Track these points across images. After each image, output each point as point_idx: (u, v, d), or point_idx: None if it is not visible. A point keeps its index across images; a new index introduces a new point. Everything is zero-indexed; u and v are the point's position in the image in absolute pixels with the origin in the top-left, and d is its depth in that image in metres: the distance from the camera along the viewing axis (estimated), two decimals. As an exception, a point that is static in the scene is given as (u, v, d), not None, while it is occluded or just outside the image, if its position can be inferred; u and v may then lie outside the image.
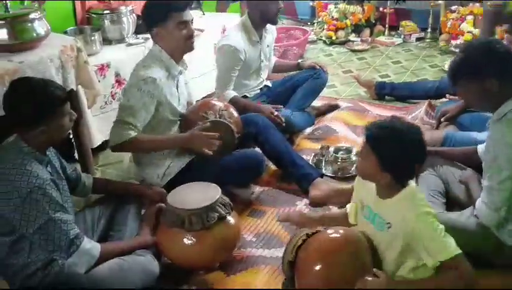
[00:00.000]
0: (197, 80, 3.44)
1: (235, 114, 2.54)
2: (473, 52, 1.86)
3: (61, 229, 1.73)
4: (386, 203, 1.66)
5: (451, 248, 1.55)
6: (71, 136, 2.69)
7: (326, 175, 2.65)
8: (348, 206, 1.92)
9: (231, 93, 2.95)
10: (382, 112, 3.40)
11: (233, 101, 2.84)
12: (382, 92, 3.62)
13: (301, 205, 2.47)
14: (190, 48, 2.42)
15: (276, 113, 2.83)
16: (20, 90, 1.78)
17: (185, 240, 1.95)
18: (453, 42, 4.39)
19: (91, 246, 1.81)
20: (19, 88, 1.79)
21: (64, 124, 1.82)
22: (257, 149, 2.69)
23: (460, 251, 1.55)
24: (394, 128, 1.61)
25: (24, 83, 1.83)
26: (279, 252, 2.11)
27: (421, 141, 1.63)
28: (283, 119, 2.86)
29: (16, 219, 1.69)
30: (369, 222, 1.72)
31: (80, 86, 2.59)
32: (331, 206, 2.42)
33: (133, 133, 2.26)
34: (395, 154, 1.59)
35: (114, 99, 3.04)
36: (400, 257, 1.64)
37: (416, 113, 3.23)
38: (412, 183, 1.67)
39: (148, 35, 2.52)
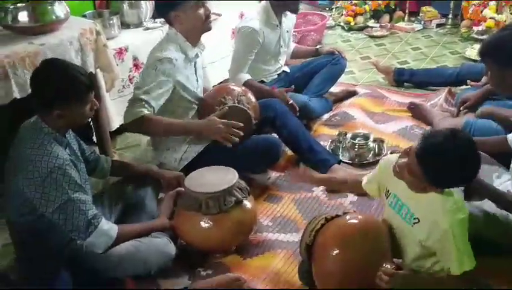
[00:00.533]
0: (214, 64, 3.43)
1: (253, 99, 2.53)
2: (507, 37, 1.77)
3: (79, 209, 1.75)
4: (417, 198, 1.61)
5: (472, 260, 1.54)
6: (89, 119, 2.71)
7: (344, 161, 2.64)
8: (364, 178, 1.89)
9: (245, 76, 2.93)
10: (400, 98, 3.36)
11: (247, 84, 2.83)
12: (401, 78, 3.57)
13: (318, 191, 2.46)
14: (208, 28, 2.41)
15: (291, 101, 2.79)
16: (47, 72, 1.79)
17: (202, 224, 1.96)
18: (475, 29, 4.29)
19: (109, 227, 1.84)
20: (47, 69, 1.80)
21: (85, 112, 1.83)
22: (274, 135, 2.68)
23: (474, 264, 1.54)
24: (445, 146, 1.49)
25: (53, 64, 1.84)
26: (295, 237, 2.12)
27: (473, 160, 1.52)
28: (297, 107, 2.83)
29: (36, 198, 1.72)
30: (394, 212, 1.70)
31: (98, 70, 2.60)
32: (348, 193, 2.41)
33: (145, 111, 2.25)
34: (441, 174, 1.51)
35: (132, 83, 3.04)
36: (422, 252, 1.62)
37: (436, 101, 3.18)
38: None
39: (166, 19, 2.51)
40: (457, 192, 1.63)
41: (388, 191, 1.74)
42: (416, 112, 3.05)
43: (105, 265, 1.82)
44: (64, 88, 1.74)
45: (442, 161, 1.49)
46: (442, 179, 1.53)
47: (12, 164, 1.77)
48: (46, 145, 1.74)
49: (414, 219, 1.61)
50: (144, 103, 2.25)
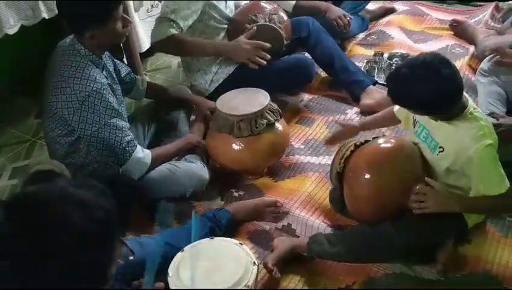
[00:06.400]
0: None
1: (285, 17, 2.42)
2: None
3: (115, 136, 1.76)
4: (441, 126, 1.55)
5: (505, 182, 1.49)
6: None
7: (379, 83, 2.55)
8: (395, 110, 1.84)
9: None
10: (442, 15, 3.17)
11: (299, 4, 2.69)
12: (444, -7, 3.35)
13: (351, 113, 2.41)
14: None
15: (348, 18, 2.63)
16: None
17: (234, 146, 1.96)
18: None
19: (143, 154, 1.84)
20: None
21: (117, 30, 1.75)
22: (307, 55, 2.59)
23: (508, 186, 1.49)
24: (399, 78, 1.47)
25: None
26: (327, 160, 2.10)
27: (433, 75, 1.42)
28: (350, 27, 2.67)
29: (75, 121, 1.73)
30: (421, 141, 1.65)
31: (125, -12, 2.52)
32: (382, 115, 2.35)
33: (173, 31, 2.18)
34: (418, 101, 1.46)
35: (161, 2, 2.96)
36: (451, 179, 1.58)
37: (480, 17, 2.99)
38: (471, 104, 1.53)
39: None
40: (486, 117, 1.56)
41: (415, 120, 1.69)
42: (458, 29, 2.88)
43: (142, 188, 1.86)
44: (88, 6, 1.67)
45: (407, 90, 1.46)
46: (423, 105, 1.48)
47: (50, 85, 1.76)
48: (84, 69, 1.72)
49: (439, 147, 1.57)
50: (171, 22, 2.18)
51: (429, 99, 1.44)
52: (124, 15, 1.78)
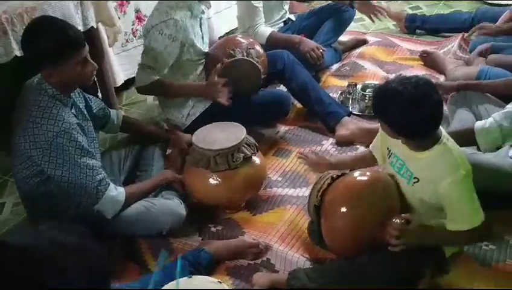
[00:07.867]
0: (219, 14, 3.32)
1: (261, 52, 2.46)
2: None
3: (86, 175, 1.72)
4: (416, 157, 1.56)
5: (479, 216, 1.50)
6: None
7: (353, 113, 2.58)
8: (371, 147, 1.86)
9: (267, 30, 2.80)
10: (412, 46, 3.26)
11: (272, 38, 2.74)
12: (413, 25, 3.45)
13: (327, 145, 2.43)
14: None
15: (321, 51, 2.70)
16: (33, 31, 1.70)
17: (211, 180, 1.95)
18: (491, -31, 4.09)
19: (116, 193, 1.80)
20: (33, 28, 1.72)
21: (76, 72, 1.70)
22: (283, 88, 2.62)
23: (483, 218, 1.50)
24: (388, 91, 1.47)
25: (39, 23, 1.74)
26: (305, 192, 2.10)
27: (425, 100, 1.44)
28: (323, 58, 2.75)
29: (44, 161, 1.69)
30: (395, 171, 1.66)
31: (100, 24, 2.53)
32: (358, 146, 2.37)
33: (155, 77, 2.27)
34: (401, 120, 1.47)
35: (135, 36, 2.98)
36: (427, 209, 1.60)
37: (449, 48, 3.08)
38: (444, 134, 1.55)
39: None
40: (457, 147, 1.56)
41: (390, 150, 1.70)
42: (428, 60, 2.96)
43: (117, 226, 1.82)
44: (44, 46, 1.65)
45: (394, 106, 1.46)
46: (404, 125, 1.48)
47: (18, 124, 1.73)
48: (51, 108, 1.69)
49: (414, 178, 1.58)
50: (152, 69, 2.26)
51: (412, 119, 1.45)
52: (89, 59, 1.74)
